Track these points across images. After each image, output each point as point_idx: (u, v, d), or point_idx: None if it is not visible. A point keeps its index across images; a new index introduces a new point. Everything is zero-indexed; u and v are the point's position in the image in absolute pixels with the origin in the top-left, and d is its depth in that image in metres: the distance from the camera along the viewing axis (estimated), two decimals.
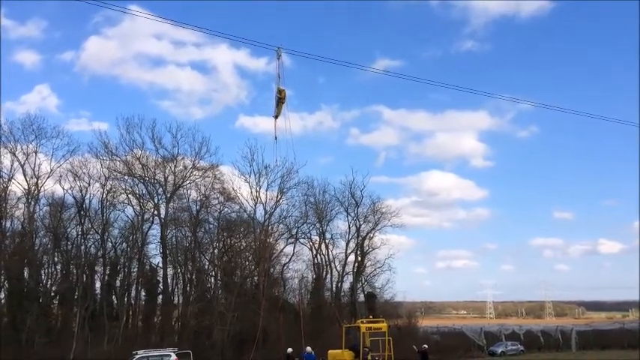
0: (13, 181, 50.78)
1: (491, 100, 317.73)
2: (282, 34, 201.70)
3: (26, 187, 50.95)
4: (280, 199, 58.44)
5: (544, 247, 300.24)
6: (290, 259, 60.50)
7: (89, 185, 52.62)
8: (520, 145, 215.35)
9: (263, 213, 57.64)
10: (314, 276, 62.08)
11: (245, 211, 57.98)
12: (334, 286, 62.56)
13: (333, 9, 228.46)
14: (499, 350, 60.08)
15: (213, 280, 58.06)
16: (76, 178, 52.13)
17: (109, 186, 53.43)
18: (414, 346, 43.75)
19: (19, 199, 51.22)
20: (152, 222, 55.18)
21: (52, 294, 52.50)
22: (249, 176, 57.18)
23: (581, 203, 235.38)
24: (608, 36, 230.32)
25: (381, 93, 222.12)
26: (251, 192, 57.24)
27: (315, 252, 62.10)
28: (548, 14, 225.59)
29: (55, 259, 52.93)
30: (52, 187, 52.31)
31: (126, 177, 54.27)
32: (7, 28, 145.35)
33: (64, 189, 52.12)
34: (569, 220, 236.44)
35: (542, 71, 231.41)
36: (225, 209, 57.96)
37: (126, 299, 54.31)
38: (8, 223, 51.19)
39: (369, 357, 37.00)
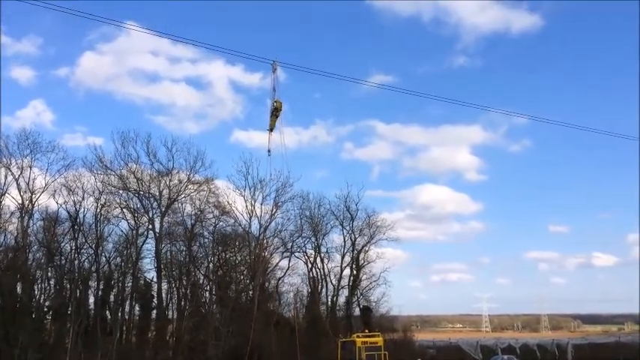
0: (6, 195, 50.55)
1: (484, 114, 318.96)
2: (276, 50, 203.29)
3: (20, 202, 50.69)
4: (275, 212, 58.42)
5: (539, 261, 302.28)
6: (285, 273, 60.33)
7: (83, 199, 52.31)
8: (513, 158, 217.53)
9: (258, 227, 57.67)
10: (309, 290, 61.89)
11: (240, 224, 57.94)
12: (330, 300, 62.35)
13: (328, 26, 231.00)
14: None
15: (207, 295, 57.73)
16: (70, 193, 51.89)
17: (104, 200, 53.14)
18: None
19: (12, 213, 50.87)
20: (146, 236, 54.89)
21: (46, 309, 51.98)
22: (244, 190, 57.32)
23: (576, 216, 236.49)
24: (601, 49, 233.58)
25: (375, 108, 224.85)
26: (246, 206, 57.32)
27: (310, 266, 61.97)
28: (540, 30, 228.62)
29: (49, 274, 52.45)
30: (46, 202, 52.05)
31: (120, 191, 54.06)
32: (2, 45, 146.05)
33: (58, 203, 51.86)
34: (563, 234, 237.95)
35: (534, 86, 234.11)
36: (220, 223, 57.81)
37: (120, 314, 53.76)
38: (1, 238, 50.69)
39: None
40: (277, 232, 59.42)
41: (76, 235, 52.07)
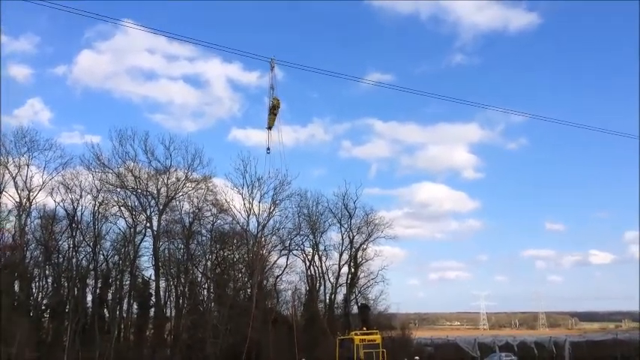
0: (4, 193, 50.46)
1: (481, 113, 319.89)
2: (274, 49, 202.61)
3: (17, 200, 50.65)
4: (273, 210, 58.37)
5: (536, 258, 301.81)
6: (283, 271, 60.32)
7: (81, 197, 52.37)
8: (510, 156, 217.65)
9: (256, 225, 57.52)
10: (307, 288, 61.83)
11: (238, 222, 57.79)
12: (328, 297, 62.34)
13: (326, 25, 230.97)
14: None
15: (205, 293, 57.70)
16: (68, 191, 51.88)
17: (101, 198, 53.21)
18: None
19: (10, 211, 50.87)
20: (144, 234, 54.85)
21: (43, 307, 51.98)
22: (242, 188, 57.15)
23: (572, 214, 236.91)
24: (599, 48, 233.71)
25: (372, 106, 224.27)
26: (244, 204, 57.16)
27: (308, 264, 61.93)
28: (538, 28, 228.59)
29: (46, 272, 52.42)
30: (43, 200, 52.07)
31: (118, 189, 54.06)
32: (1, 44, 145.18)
33: (55, 201, 51.87)
34: (560, 232, 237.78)
35: (532, 84, 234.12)
36: (218, 221, 57.77)
37: (118, 312, 53.78)
38: None
39: None
40: (275, 230, 59.54)
41: (74, 234, 52.09)
